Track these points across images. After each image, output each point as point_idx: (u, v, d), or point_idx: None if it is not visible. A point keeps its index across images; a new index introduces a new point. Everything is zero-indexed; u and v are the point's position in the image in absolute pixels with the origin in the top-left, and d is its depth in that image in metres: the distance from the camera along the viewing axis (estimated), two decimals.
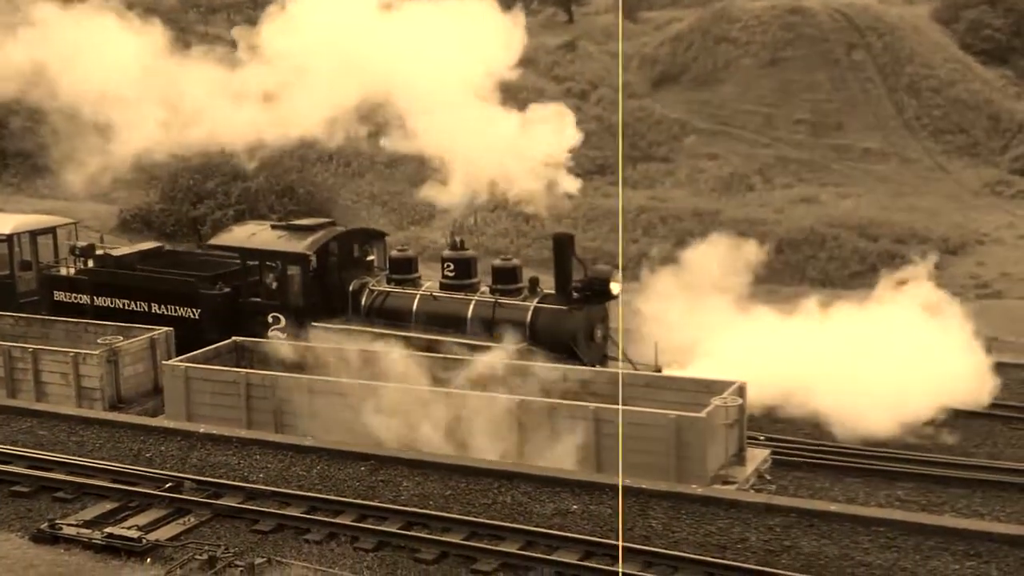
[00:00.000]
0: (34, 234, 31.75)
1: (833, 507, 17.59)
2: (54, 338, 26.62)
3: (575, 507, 17.47)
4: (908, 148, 56.20)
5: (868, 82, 58.09)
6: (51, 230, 32.22)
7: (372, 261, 27.58)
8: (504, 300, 24.82)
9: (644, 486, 17.76)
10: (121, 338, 24.91)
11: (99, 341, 24.78)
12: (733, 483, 19.02)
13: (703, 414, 18.91)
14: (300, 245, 26.62)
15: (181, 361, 22.95)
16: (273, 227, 28.02)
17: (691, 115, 56.48)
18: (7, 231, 31.28)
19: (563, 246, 24.79)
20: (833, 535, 16.44)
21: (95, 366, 23.88)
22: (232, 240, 28.08)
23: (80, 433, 21.12)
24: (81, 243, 31.20)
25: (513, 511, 17.40)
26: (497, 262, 25.96)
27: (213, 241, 29.54)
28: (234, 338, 24.53)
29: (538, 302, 24.60)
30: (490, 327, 24.29)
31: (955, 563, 15.63)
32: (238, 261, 27.57)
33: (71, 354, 24.23)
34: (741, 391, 20.19)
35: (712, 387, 20.49)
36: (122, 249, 31.80)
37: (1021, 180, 55.55)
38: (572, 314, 24.20)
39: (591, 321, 24.40)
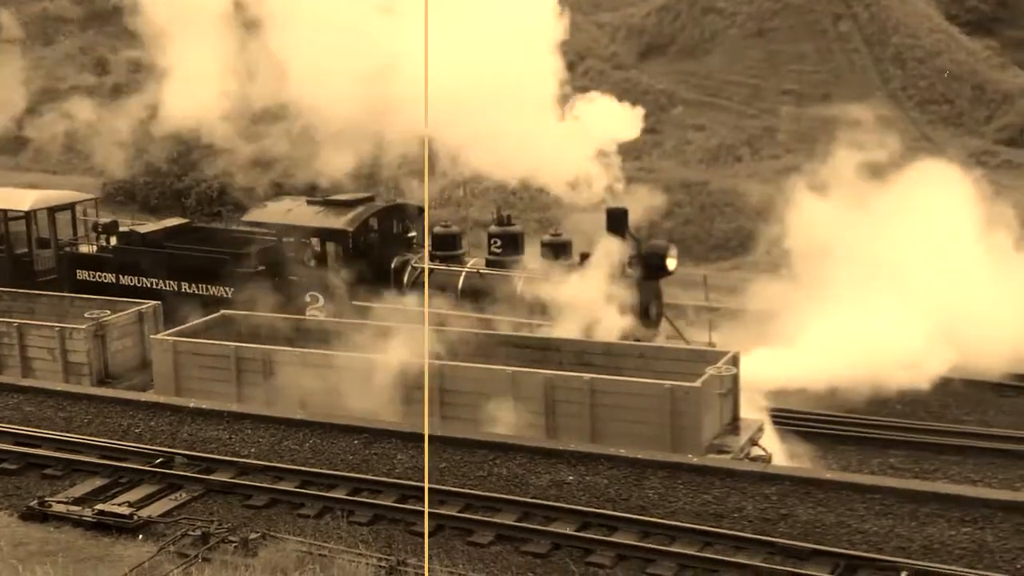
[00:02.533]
0: (52, 210, 30.93)
1: (828, 475, 17.60)
2: (39, 313, 26.35)
3: (571, 478, 17.39)
4: (894, 118, 56.08)
5: (854, 52, 57.83)
6: (70, 206, 31.45)
7: (413, 237, 27.10)
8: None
9: (640, 456, 17.71)
10: (108, 312, 24.68)
11: (86, 315, 24.55)
12: (728, 452, 18.95)
13: (698, 383, 18.82)
14: (340, 221, 26.15)
15: (170, 335, 22.76)
16: (309, 202, 27.49)
17: (678, 86, 56.13)
18: (25, 207, 30.61)
19: (618, 221, 23.90)
20: (829, 503, 16.40)
21: (82, 341, 23.68)
22: (267, 216, 27.57)
23: (68, 409, 20.98)
24: (103, 219, 30.70)
25: (509, 483, 17.34)
26: (547, 237, 25.28)
27: (247, 217, 28.97)
28: (223, 311, 24.32)
29: None
30: (539, 304, 23.64)
31: (951, 529, 15.60)
32: (273, 238, 27.13)
33: (58, 329, 24.01)
34: (735, 360, 20.11)
35: (706, 357, 20.42)
36: (148, 226, 31.24)
37: (1006, 150, 55.45)
38: (628, 291, 23.52)
39: (646, 298, 23.90)
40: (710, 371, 19.33)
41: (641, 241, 24.14)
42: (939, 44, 59.33)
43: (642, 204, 25.26)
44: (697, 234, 43.31)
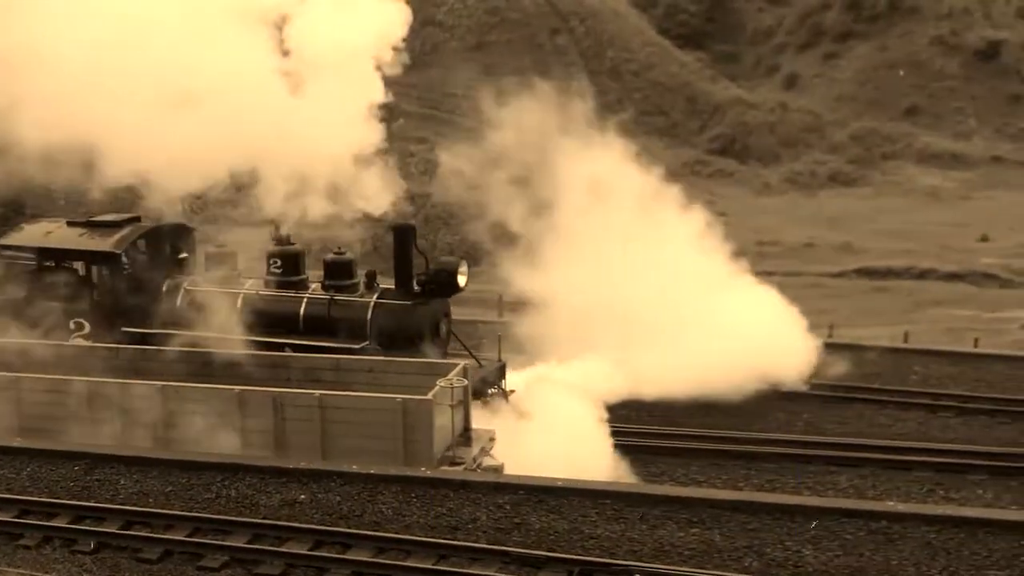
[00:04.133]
0: None
1: (560, 482, 17.74)
2: None
3: (303, 497, 17.13)
4: (610, 131, 57.67)
5: (571, 66, 59.30)
6: None
7: (185, 258, 25.88)
8: (340, 297, 23.27)
9: (373, 471, 17.58)
10: None
11: None
12: (461, 463, 18.95)
13: (429, 396, 18.77)
14: (107, 243, 24.66)
15: None
16: (70, 224, 25.88)
17: (399, 98, 56.36)
18: None
19: (405, 237, 23.26)
20: (562, 510, 16.62)
21: None
22: (25, 239, 25.80)
23: None
24: None
25: (239, 504, 16.98)
26: (329, 256, 24.18)
27: (2, 241, 27.20)
28: None
29: (378, 298, 22.99)
30: (326, 326, 22.87)
31: (680, 531, 16.02)
32: (31, 262, 25.51)
33: None
34: (465, 372, 20.14)
35: (436, 369, 20.38)
36: None
37: (718, 159, 57.91)
38: (417, 309, 22.79)
39: (436, 316, 23.19)
40: (441, 383, 19.29)
41: (430, 257, 23.82)
42: (653, 57, 61.39)
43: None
44: (422, 247, 43.34)
